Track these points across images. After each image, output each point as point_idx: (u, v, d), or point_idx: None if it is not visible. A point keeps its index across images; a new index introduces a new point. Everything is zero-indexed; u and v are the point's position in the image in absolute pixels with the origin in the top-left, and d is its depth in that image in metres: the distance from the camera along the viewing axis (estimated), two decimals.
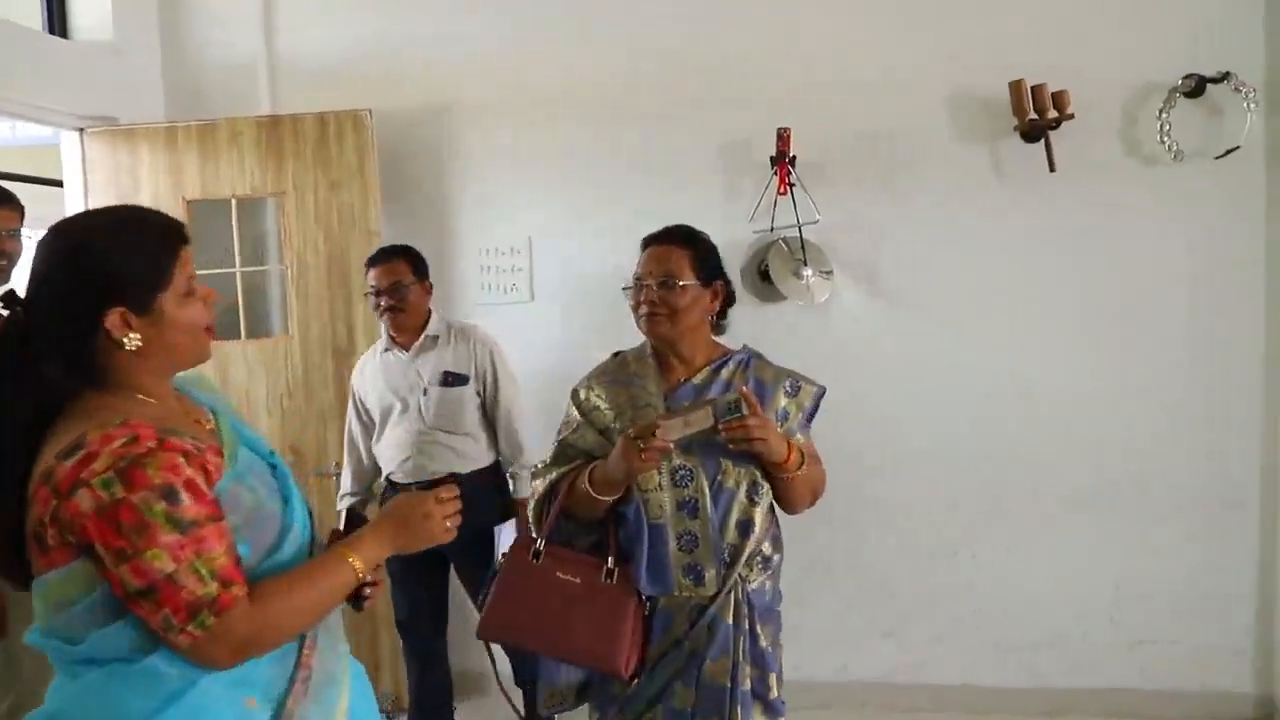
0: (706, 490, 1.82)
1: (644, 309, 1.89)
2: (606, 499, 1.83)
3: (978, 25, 3.04)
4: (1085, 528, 3.11)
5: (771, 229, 3.16)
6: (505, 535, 2.95)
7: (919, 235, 3.14)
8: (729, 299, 2.00)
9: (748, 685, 1.83)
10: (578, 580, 1.84)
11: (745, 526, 1.84)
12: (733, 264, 3.13)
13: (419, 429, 2.85)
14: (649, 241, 1.98)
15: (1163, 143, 2.91)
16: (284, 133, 3.29)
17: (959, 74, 3.07)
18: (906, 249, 3.15)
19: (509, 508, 2.99)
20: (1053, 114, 2.90)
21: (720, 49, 3.20)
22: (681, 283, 1.88)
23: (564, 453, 1.97)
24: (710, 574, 1.82)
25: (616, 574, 1.83)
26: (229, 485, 1.24)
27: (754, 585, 1.87)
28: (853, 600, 3.24)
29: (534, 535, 1.93)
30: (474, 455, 2.91)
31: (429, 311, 2.94)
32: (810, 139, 3.09)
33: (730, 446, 1.75)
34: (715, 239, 3.25)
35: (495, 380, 2.93)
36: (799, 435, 1.89)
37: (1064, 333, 3.09)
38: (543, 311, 3.40)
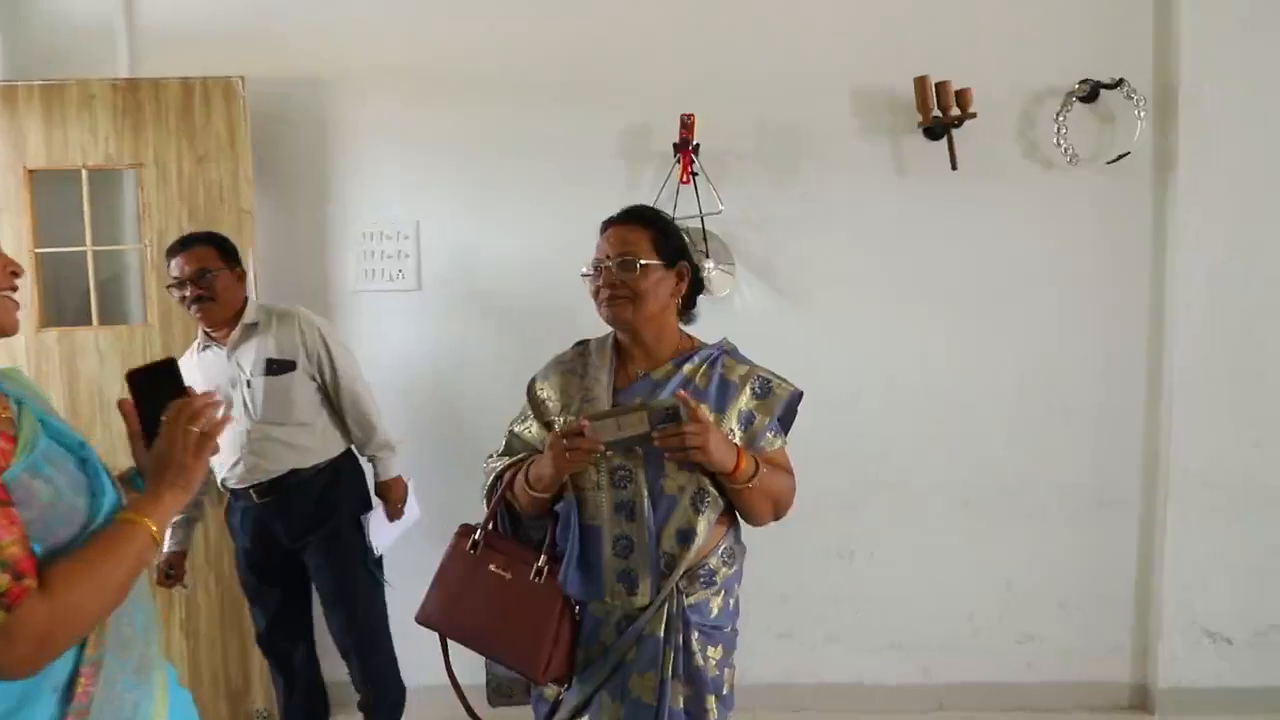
0: (645, 493, 1.70)
1: (604, 292, 1.75)
2: (542, 495, 1.74)
3: (883, 20, 3.01)
4: (978, 526, 3.14)
5: (673, 219, 3.04)
6: (375, 521, 2.77)
7: (822, 230, 3.09)
8: (697, 285, 1.88)
9: (680, 704, 1.72)
10: (508, 575, 1.77)
11: (685, 535, 1.71)
12: None
13: (247, 426, 2.60)
14: (607, 224, 1.84)
15: (1059, 145, 2.94)
16: (144, 98, 2.99)
17: (863, 68, 3.03)
18: (809, 243, 3.10)
19: (371, 494, 2.81)
20: (955, 111, 2.89)
21: (624, 31, 3.07)
22: (643, 262, 1.73)
23: (510, 444, 1.88)
24: (644, 583, 1.71)
25: (545, 573, 1.75)
26: (21, 475, 1.09)
27: (693, 600, 1.75)
28: (748, 602, 3.15)
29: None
30: (315, 447, 2.67)
31: (244, 300, 2.68)
32: (714, 128, 2.99)
33: (665, 456, 1.65)
34: None
35: (331, 361, 2.67)
36: (768, 440, 1.77)
37: (960, 333, 3.10)
38: (431, 301, 3.21)
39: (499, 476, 1.85)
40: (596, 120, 3.09)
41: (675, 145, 3.01)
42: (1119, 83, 2.87)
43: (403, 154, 3.15)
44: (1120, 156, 2.92)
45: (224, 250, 2.63)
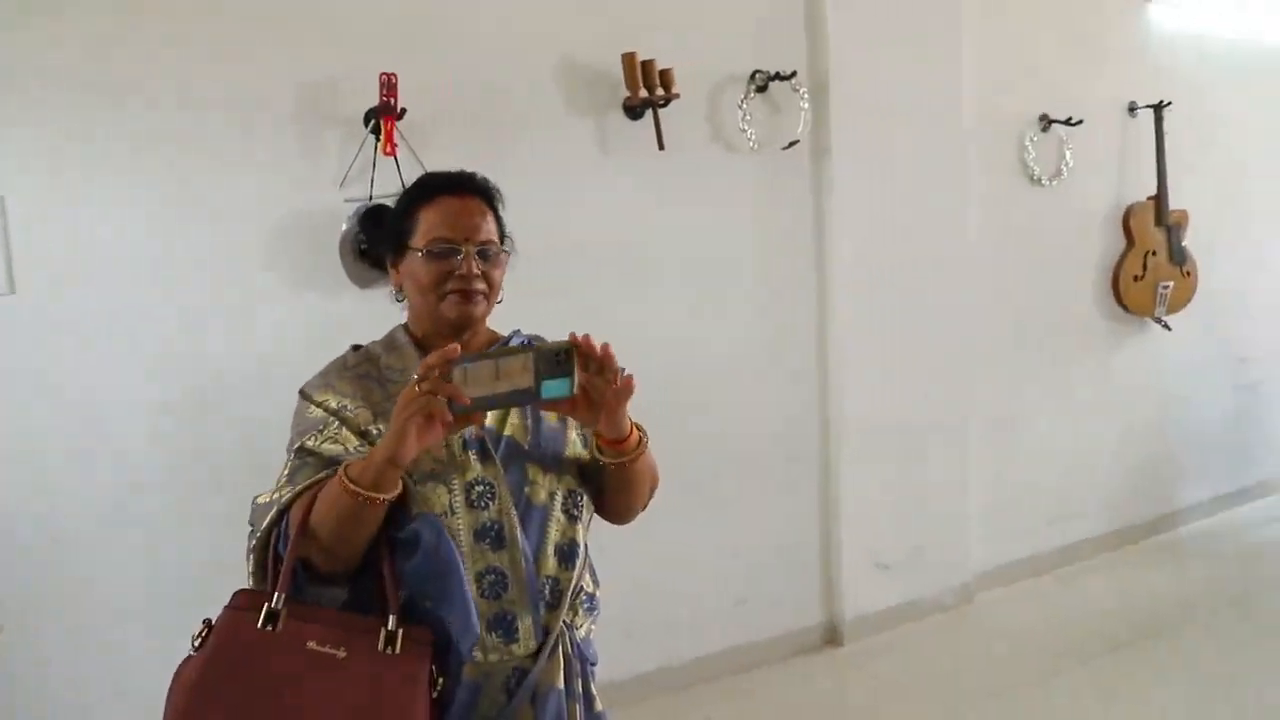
0: (513, 509, 1.37)
1: (453, 284, 1.40)
2: (379, 496, 1.22)
3: None
4: (690, 499, 3.17)
5: (371, 198, 2.60)
6: None
7: (530, 210, 2.85)
8: None
9: None
10: (341, 652, 1.23)
11: (568, 553, 1.43)
12: (320, 240, 2.55)
13: None
14: (441, 187, 1.45)
15: (744, 131, 3.10)
16: None
17: (568, 39, 2.87)
18: (519, 225, 2.85)
19: None
20: (661, 91, 2.89)
21: None
22: (500, 249, 1.46)
23: (300, 470, 1.34)
24: (525, 624, 1.36)
25: (401, 637, 1.26)
26: None
27: (583, 632, 1.48)
28: None
29: (262, 588, 1.29)
30: None
31: None
32: (414, 89, 2.59)
33: (549, 413, 1.41)
34: (292, 207, 2.63)
35: None
36: None
37: (661, 314, 3.10)
38: (30, 311, 2.31)
39: (283, 511, 1.30)
40: (265, 66, 2.49)
41: (373, 110, 2.55)
42: (792, 75, 3.12)
43: None
44: (791, 144, 3.18)
45: None
